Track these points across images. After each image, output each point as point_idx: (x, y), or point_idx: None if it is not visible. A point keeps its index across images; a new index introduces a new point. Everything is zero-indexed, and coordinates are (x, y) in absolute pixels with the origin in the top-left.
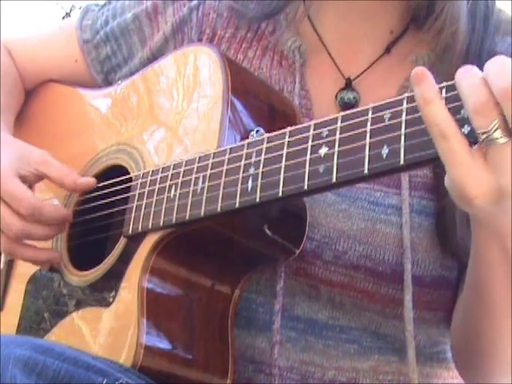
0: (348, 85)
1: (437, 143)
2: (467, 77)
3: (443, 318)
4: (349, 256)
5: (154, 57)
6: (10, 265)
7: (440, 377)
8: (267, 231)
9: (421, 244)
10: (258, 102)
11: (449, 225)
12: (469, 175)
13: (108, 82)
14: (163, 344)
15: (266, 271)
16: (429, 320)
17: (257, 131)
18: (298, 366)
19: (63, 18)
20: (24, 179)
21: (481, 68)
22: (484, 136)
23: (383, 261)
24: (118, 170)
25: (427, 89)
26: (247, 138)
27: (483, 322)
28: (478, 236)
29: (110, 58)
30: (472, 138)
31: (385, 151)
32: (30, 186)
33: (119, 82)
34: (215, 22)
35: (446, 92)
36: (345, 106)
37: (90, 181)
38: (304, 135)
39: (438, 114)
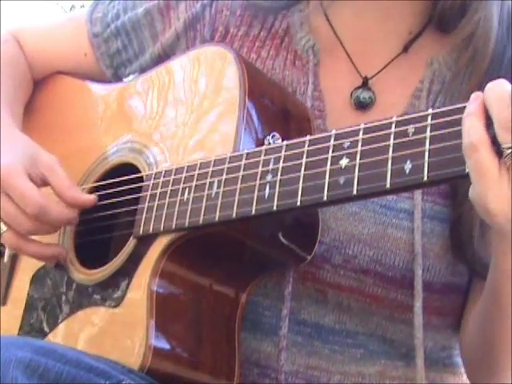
0: (364, 84)
1: (466, 155)
2: (496, 91)
3: (451, 323)
4: (358, 260)
5: (165, 53)
6: (13, 259)
7: (446, 382)
8: (281, 238)
9: (432, 250)
10: (273, 106)
11: (465, 235)
12: (493, 189)
13: (118, 77)
14: (171, 346)
15: (274, 275)
16: (437, 325)
17: (272, 136)
18: (304, 371)
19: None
20: (31, 178)
21: (502, 76)
22: (509, 151)
23: (393, 266)
24: (127, 168)
25: (474, 105)
26: (262, 142)
27: (501, 331)
28: (498, 248)
29: (121, 52)
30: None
31: (408, 166)
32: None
33: (130, 77)
34: (228, 19)
35: None
36: (360, 105)
37: (89, 198)
38: (324, 145)
39: (473, 126)
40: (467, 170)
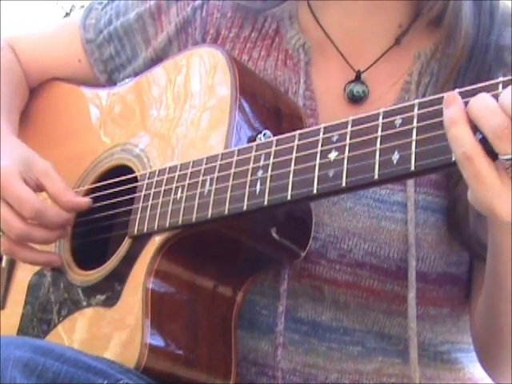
0: (358, 77)
1: (462, 166)
2: (482, 103)
3: (449, 313)
4: (354, 254)
5: (157, 57)
6: (11, 263)
7: (442, 379)
8: (274, 234)
9: (426, 240)
10: (265, 105)
11: (461, 217)
12: (499, 197)
13: (112, 82)
14: (167, 345)
15: (270, 273)
16: (434, 316)
17: (264, 134)
18: (301, 369)
19: (64, 18)
20: (26, 183)
21: (488, 62)
22: (509, 163)
23: (388, 257)
24: (122, 170)
25: (454, 110)
26: (254, 141)
27: (506, 314)
28: (495, 233)
29: (114, 57)
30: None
31: (395, 157)
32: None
33: (126, 80)
34: (219, 21)
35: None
36: (354, 99)
37: (84, 201)
38: (313, 139)
39: (462, 136)
40: (454, 159)
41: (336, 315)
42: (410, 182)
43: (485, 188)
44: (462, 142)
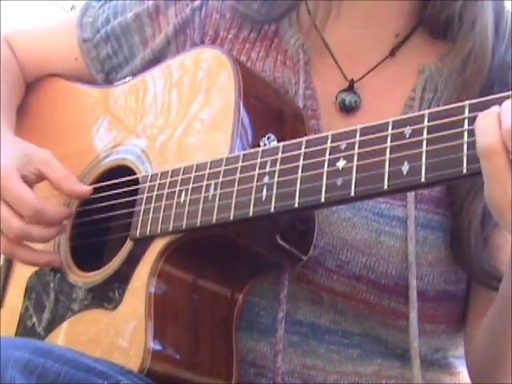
0: (350, 87)
1: (485, 158)
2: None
3: (445, 330)
4: (351, 266)
5: (155, 58)
6: (9, 262)
7: (443, 381)
8: (279, 240)
9: (425, 258)
10: (268, 107)
11: (464, 245)
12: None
13: (109, 82)
14: (169, 348)
15: (270, 275)
16: (430, 332)
17: (268, 137)
18: (300, 371)
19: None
20: (25, 179)
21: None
22: None
23: (386, 273)
24: (122, 171)
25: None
26: (258, 144)
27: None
28: None
29: (111, 57)
30: None
31: (405, 168)
32: (31, 186)
33: (126, 79)
34: (218, 22)
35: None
36: (345, 108)
37: (86, 189)
38: (321, 147)
39: (491, 127)
40: (464, 171)
41: (334, 318)
42: (411, 199)
43: (502, 185)
44: (489, 134)
